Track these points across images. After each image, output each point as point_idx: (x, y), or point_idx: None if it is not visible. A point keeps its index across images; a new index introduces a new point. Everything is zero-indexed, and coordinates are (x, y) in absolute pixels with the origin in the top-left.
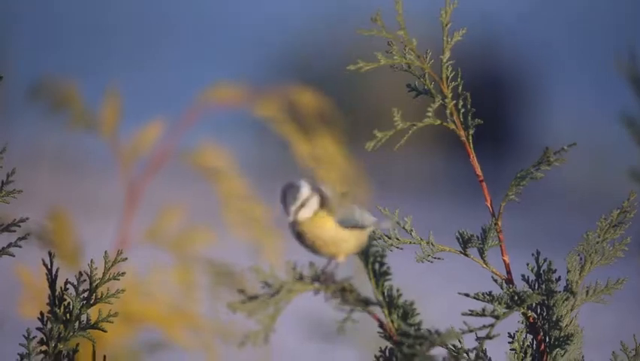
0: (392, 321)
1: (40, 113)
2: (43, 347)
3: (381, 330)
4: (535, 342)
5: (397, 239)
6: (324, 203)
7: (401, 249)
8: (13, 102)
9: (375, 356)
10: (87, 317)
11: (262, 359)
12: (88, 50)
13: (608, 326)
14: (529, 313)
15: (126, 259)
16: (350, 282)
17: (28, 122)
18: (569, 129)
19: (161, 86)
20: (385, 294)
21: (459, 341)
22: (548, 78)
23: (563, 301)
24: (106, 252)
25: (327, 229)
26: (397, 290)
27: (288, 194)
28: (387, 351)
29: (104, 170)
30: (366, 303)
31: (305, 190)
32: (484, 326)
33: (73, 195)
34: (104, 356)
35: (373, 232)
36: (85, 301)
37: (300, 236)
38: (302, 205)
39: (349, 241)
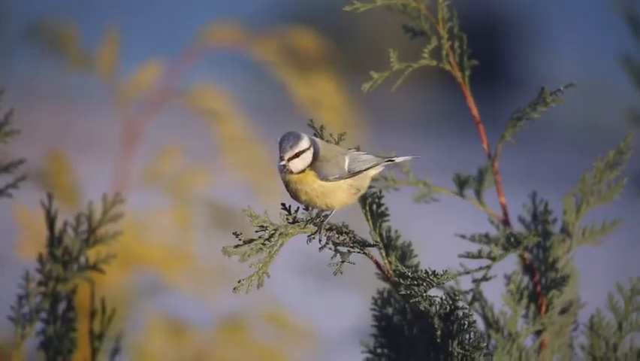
0: (389, 262)
1: (38, 53)
2: (42, 289)
3: (378, 272)
4: (531, 284)
5: (394, 181)
6: (314, 159)
7: (397, 190)
8: (11, 43)
9: (373, 298)
10: (86, 259)
11: (262, 300)
12: None
13: (604, 266)
14: (526, 255)
15: (124, 201)
16: (346, 224)
17: (26, 63)
18: (567, 69)
19: (159, 26)
20: (384, 235)
21: (455, 282)
22: (546, 17)
23: (560, 243)
24: (104, 194)
25: (309, 183)
26: (396, 232)
27: (287, 140)
28: (384, 293)
29: (103, 111)
30: (362, 245)
31: (304, 143)
32: (481, 268)
33: (71, 136)
34: (103, 298)
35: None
36: (84, 243)
37: (286, 186)
38: (297, 155)
39: (338, 191)
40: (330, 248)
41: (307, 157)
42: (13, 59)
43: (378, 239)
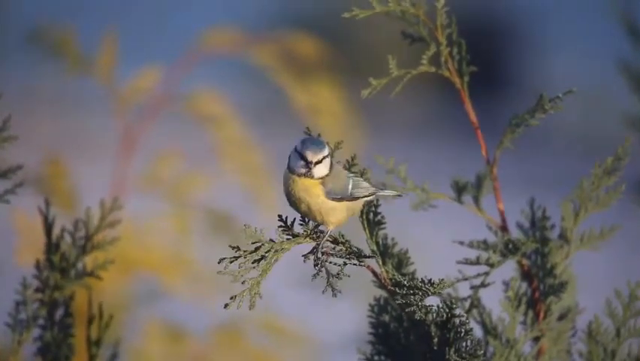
0: (386, 271)
1: (37, 58)
2: (40, 295)
3: (375, 279)
4: (529, 290)
5: (392, 187)
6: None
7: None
8: (9, 47)
9: (370, 305)
10: (83, 265)
11: (260, 307)
12: None
13: (602, 272)
14: (524, 261)
15: (122, 207)
16: (342, 233)
17: (24, 68)
18: (565, 75)
19: (158, 31)
20: (380, 243)
21: (453, 289)
22: (544, 23)
23: (558, 249)
24: (102, 200)
25: (314, 195)
26: (392, 239)
27: (311, 146)
28: (381, 300)
29: (101, 115)
30: (358, 256)
31: (327, 149)
32: (479, 275)
33: (70, 141)
34: (101, 304)
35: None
36: (81, 249)
37: (288, 195)
38: (321, 161)
39: (337, 211)
40: (324, 265)
41: (327, 164)
42: (12, 64)
43: (375, 248)
